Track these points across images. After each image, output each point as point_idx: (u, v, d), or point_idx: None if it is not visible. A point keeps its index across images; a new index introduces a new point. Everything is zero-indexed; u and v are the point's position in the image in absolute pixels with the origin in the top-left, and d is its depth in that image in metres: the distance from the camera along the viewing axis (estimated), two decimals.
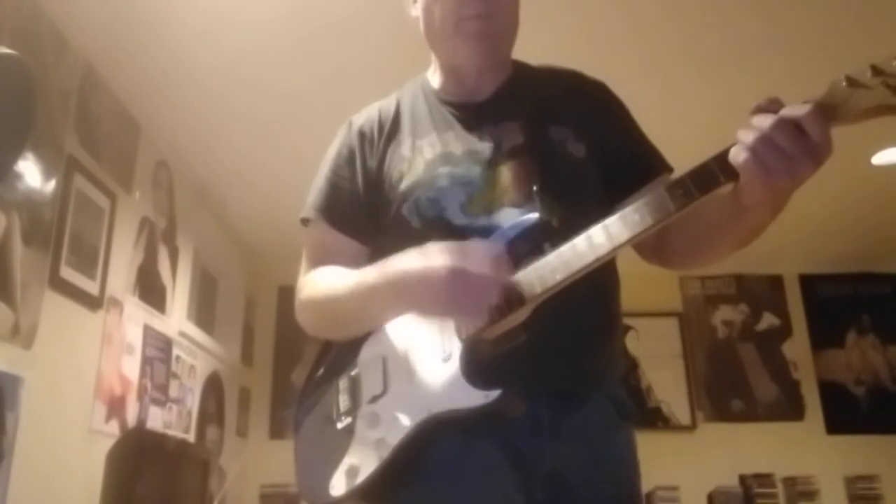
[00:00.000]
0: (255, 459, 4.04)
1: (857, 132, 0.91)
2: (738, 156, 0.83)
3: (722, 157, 0.85)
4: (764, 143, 0.81)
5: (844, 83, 0.78)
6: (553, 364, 1.01)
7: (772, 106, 0.83)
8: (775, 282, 4.73)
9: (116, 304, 2.62)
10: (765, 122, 0.81)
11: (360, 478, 0.98)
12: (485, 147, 1.11)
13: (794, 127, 0.80)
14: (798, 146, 0.80)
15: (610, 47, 2.48)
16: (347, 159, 1.19)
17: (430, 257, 0.94)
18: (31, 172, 2.11)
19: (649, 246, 1.11)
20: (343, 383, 1.09)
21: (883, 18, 2.35)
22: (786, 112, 0.81)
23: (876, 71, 0.76)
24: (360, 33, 2.39)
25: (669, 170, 1.15)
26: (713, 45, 2.53)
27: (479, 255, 0.92)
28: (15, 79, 1.94)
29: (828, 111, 0.80)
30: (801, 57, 2.53)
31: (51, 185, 2.22)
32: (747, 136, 0.82)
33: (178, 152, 3.14)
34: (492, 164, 1.09)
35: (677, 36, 2.49)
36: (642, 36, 2.48)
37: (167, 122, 2.91)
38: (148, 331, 2.88)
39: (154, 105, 2.79)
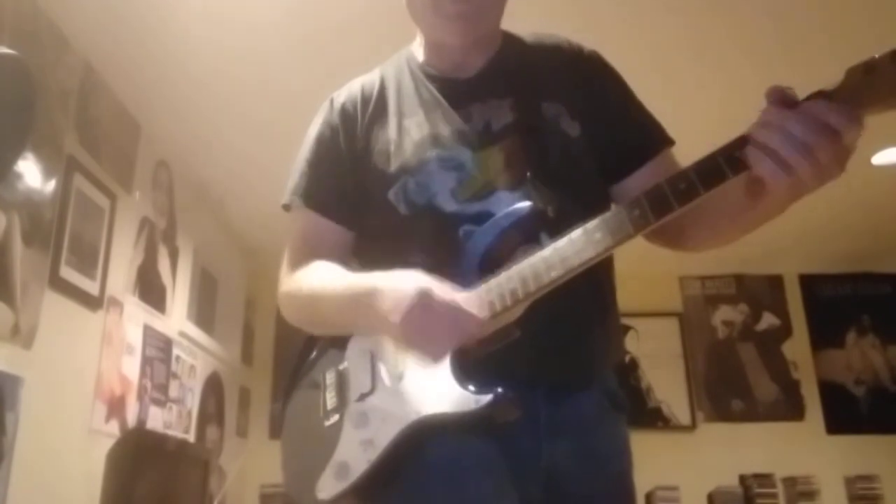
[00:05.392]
0: (255, 459, 4.03)
1: None
2: (759, 162, 0.76)
3: (729, 151, 0.79)
4: (789, 144, 0.74)
5: (861, 70, 0.74)
6: (549, 358, 0.97)
7: (787, 96, 0.77)
8: (775, 282, 4.73)
9: (116, 304, 2.61)
10: (784, 118, 0.74)
11: (349, 480, 0.93)
12: (474, 127, 1.05)
13: (816, 121, 0.74)
14: (826, 141, 0.73)
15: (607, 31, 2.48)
16: (330, 139, 1.14)
17: (406, 278, 0.90)
18: (31, 172, 2.11)
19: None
20: (330, 378, 1.03)
21: (890, 12, 2.33)
22: (807, 107, 0.75)
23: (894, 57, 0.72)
24: (360, 33, 2.39)
25: (670, 143, 1.10)
26: (718, 36, 2.53)
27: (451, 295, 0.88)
28: (15, 79, 1.94)
29: (845, 100, 0.75)
30: (809, 48, 2.50)
31: (51, 185, 2.22)
32: (769, 138, 0.75)
33: (178, 152, 3.14)
34: (482, 145, 1.04)
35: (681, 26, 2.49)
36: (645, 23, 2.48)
37: (167, 122, 2.91)
38: (148, 331, 2.88)
39: (154, 105, 2.79)
